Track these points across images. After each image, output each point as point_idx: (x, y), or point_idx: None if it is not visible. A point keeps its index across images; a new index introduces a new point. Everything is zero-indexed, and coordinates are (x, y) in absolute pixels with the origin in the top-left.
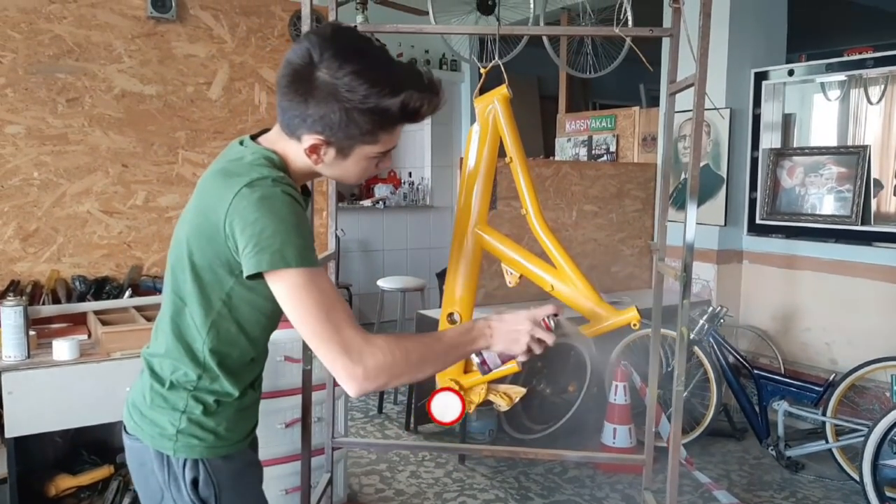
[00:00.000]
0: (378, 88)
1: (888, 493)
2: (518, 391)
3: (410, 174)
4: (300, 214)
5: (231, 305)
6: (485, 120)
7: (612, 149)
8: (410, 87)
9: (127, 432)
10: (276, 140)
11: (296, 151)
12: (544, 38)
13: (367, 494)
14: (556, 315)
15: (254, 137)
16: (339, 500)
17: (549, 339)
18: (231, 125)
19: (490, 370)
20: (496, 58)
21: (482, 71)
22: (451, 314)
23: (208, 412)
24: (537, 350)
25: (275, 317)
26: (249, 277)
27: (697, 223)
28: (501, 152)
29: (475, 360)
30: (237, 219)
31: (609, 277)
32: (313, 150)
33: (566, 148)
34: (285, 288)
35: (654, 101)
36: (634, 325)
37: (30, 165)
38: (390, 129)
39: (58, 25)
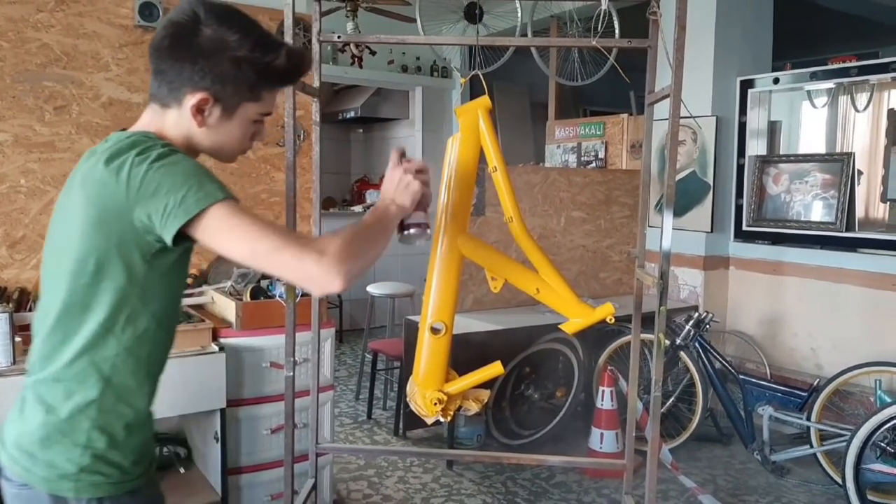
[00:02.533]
0: (264, 43)
1: (870, 497)
2: (485, 393)
3: None
4: (195, 163)
5: (146, 294)
6: (465, 130)
7: (601, 156)
8: (288, 46)
9: (8, 478)
10: (149, 122)
11: (173, 122)
12: (533, 48)
13: (354, 500)
14: (403, 153)
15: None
16: None
17: (422, 165)
18: None
19: (428, 226)
20: (482, 67)
21: (462, 81)
22: (433, 323)
23: (114, 444)
24: (426, 179)
25: (182, 286)
26: (175, 240)
27: (684, 230)
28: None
29: (411, 231)
30: (141, 188)
31: (597, 283)
32: (198, 109)
33: (556, 155)
34: (219, 221)
35: (643, 109)
36: (610, 319)
37: (17, 173)
38: (272, 85)
39: (45, 34)
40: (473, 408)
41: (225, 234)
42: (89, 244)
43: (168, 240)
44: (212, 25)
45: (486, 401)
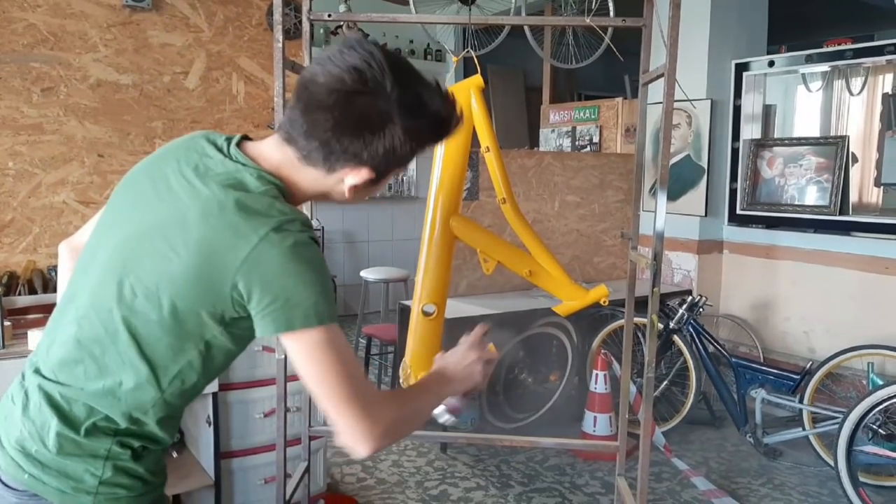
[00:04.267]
0: (437, 115)
1: (862, 479)
2: None
3: None
4: (325, 265)
5: (206, 355)
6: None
7: (596, 140)
8: (454, 111)
9: (9, 487)
10: (281, 164)
11: (313, 179)
12: (526, 29)
13: (348, 483)
14: (486, 333)
15: (236, 142)
16: (318, 488)
17: (495, 356)
18: (208, 114)
19: (460, 412)
20: (475, 49)
21: (454, 60)
22: (426, 306)
23: (136, 456)
24: (490, 371)
25: (245, 346)
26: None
27: (679, 214)
28: (475, 143)
29: (444, 415)
30: (259, 270)
31: (591, 267)
32: (356, 186)
33: (550, 139)
34: (308, 345)
35: (638, 93)
36: (604, 301)
37: (4, 155)
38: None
39: (32, 14)
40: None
41: (305, 360)
42: (177, 285)
43: (257, 333)
44: (391, 93)
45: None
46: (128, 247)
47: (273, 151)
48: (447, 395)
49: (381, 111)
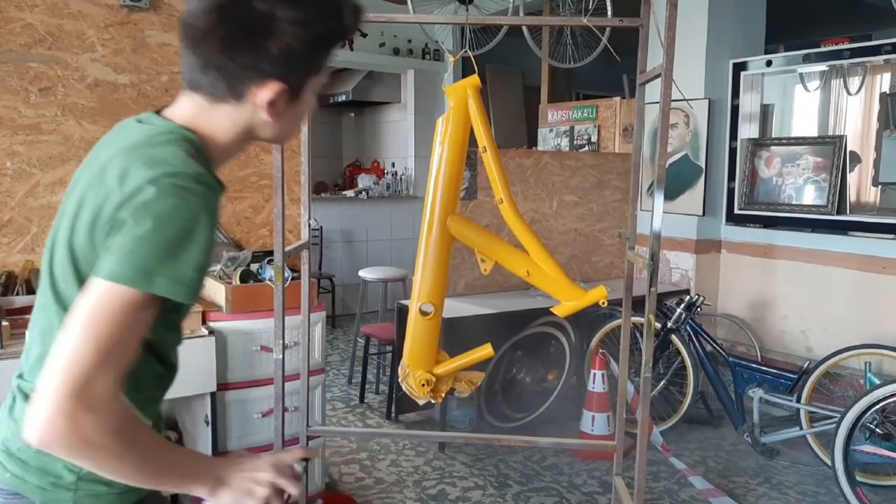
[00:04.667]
0: (324, 3)
1: (859, 478)
2: (478, 376)
3: (393, 164)
4: (200, 228)
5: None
6: (455, 109)
7: (594, 139)
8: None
9: None
10: (194, 115)
11: (227, 118)
12: (524, 29)
13: (346, 483)
14: (306, 460)
15: (157, 110)
16: (317, 488)
17: (294, 489)
18: None
19: None
20: (473, 48)
21: (451, 60)
22: (423, 305)
23: None
24: (286, 499)
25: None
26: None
27: (676, 213)
28: (473, 142)
29: None
30: (125, 218)
31: (589, 267)
32: (272, 103)
33: (548, 138)
34: (95, 299)
35: (636, 92)
36: (602, 302)
37: (2, 155)
38: (332, 49)
39: (29, 14)
40: (466, 390)
41: (83, 310)
42: (80, 245)
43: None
44: None
45: (478, 384)
46: (54, 227)
47: (185, 106)
48: (198, 490)
49: (260, 12)
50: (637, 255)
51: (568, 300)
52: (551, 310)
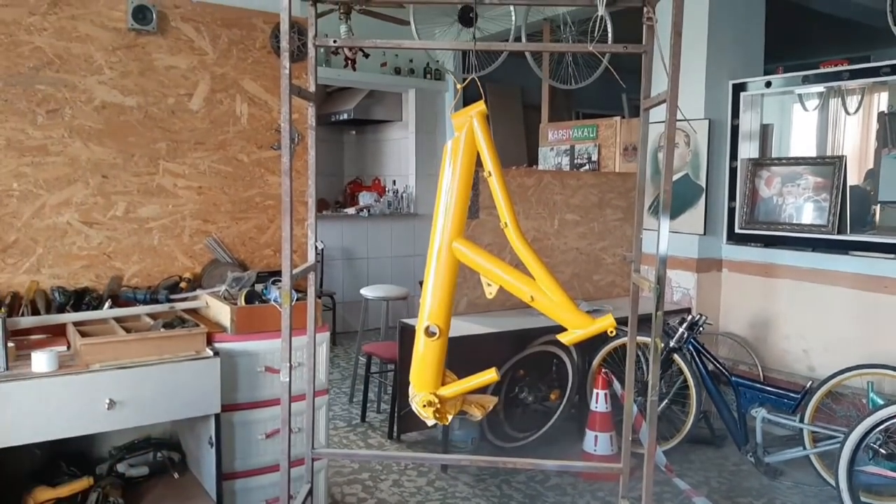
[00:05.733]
0: None
1: (863, 499)
2: (491, 400)
3: (394, 182)
4: None
5: None
6: (461, 135)
7: (594, 158)
8: None
9: None
10: None
11: None
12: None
13: None
14: None
15: None
16: None
17: None
18: (212, 136)
19: None
20: (476, 70)
21: (458, 87)
22: (427, 327)
23: None
24: None
25: None
26: None
27: (677, 232)
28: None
29: None
30: None
31: (591, 285)
32: None
33: (549, 157)
34: None
35: (636, 111)
36: (611, 332)
37: (9, 177)
38: None
39: (38, 37)
40: (477, 414)
41: None
42: None
43: None
44: None
45: (489, 408)
46: None
47: None
48: None
49: None
50: (643, 278)
51: (574, 328)
52: (557, 337)
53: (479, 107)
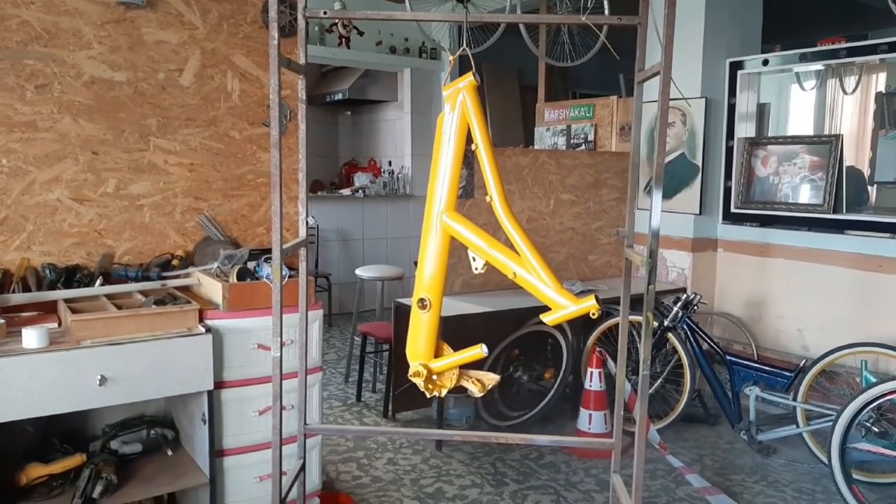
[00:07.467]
0: None
1: (856, 476)
2: (492, 378)
3: (390, 163)
4: None
5: None
6: (453, 108)
7: (591, 138)
8: None
9: None
10: None
11: None
12: (521, 28)
13: (344, 482)
14: None
15: None
16: (314, 486)
17: None
18: (203, 112)
19: None
20: (471, 47)
21: (451, 59)
22: (421, 299)
23: None
24: None
25: None
26: None
27: (673, 212)
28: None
29: None
30: None
31: (586, 265)
32: None
33: (545, 137)
34: None
35: (633, 91)
36: (594, 314)
37: None
38: None
39: (25, 11)
40: (475, 390)
41: None
42: None
43: None
44: None
45: (489, 385)
46: None
47: None
48: None
49: None
50: (635, 253)
51: (556, 307)
52: (540, 317)
53: (469, 78)
